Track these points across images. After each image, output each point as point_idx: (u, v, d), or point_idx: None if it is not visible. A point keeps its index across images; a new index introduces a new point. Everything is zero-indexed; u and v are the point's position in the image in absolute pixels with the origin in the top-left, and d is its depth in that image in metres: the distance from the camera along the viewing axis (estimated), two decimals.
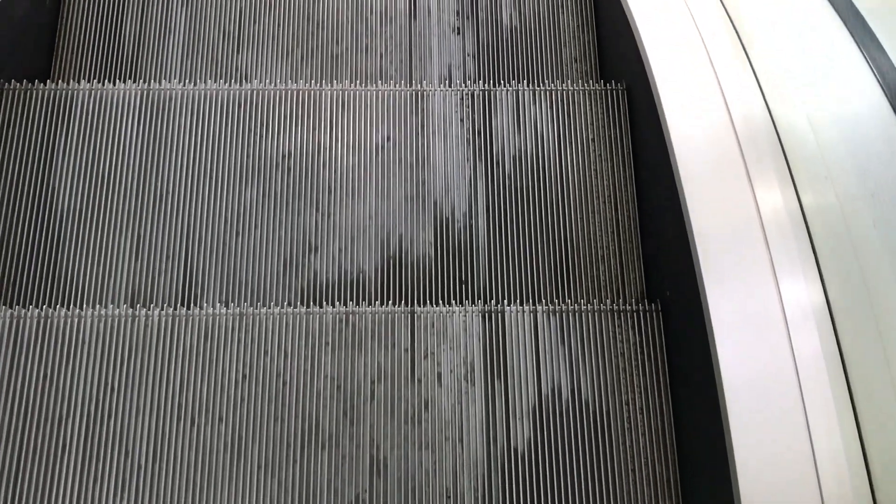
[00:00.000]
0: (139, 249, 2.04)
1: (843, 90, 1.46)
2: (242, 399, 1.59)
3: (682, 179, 1.52)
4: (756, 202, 1.47)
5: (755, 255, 1.40)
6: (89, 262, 2.02)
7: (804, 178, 1.50)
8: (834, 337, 1.32)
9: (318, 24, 2.52)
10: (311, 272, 2.06)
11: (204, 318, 1.71)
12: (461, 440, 1.59)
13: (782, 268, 1.39)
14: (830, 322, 1.33)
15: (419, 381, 1.63)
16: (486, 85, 2.27)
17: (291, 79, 2.44)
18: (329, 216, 2.11)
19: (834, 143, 1.44)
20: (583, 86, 2.27)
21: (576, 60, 2.53)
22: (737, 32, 1.84)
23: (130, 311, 1.70)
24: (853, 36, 1.39)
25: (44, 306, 1.72)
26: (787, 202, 1.48)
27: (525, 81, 2.37)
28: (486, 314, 1.71)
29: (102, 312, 1.69)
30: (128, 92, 2.20)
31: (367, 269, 2.06)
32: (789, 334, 1.32)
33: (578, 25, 2.57)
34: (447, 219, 2.13)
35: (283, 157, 2.17)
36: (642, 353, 1.68)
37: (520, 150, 2.21)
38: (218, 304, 1.90)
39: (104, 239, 2.04)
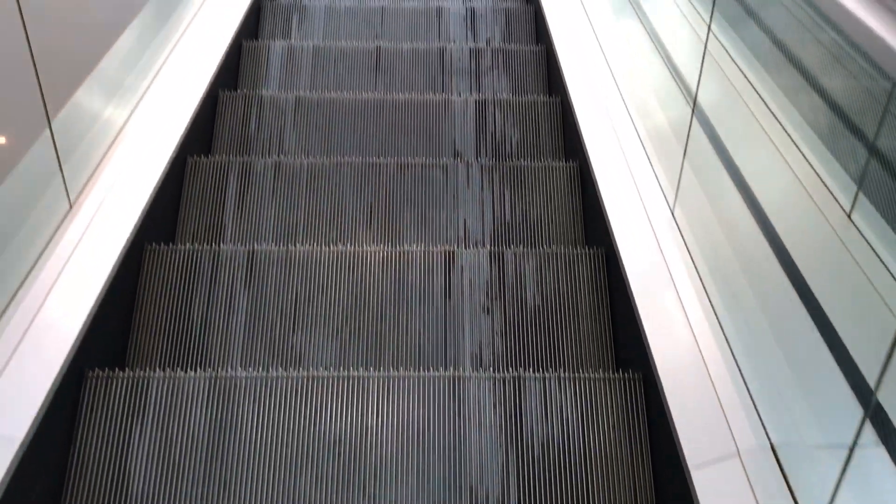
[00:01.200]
0: None
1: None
2: None
3: None
4: None
5: None
6: None
7: None
8: None
9: (364, 305, 2.82)
10: None
11: None
12: None
13: None
14: None
15: None
16: (516, 371, 2.54)
17: (341, 361, 2.72)
18: (374, 501, 2.34)
19: None
20: (602, 374, 2.54)
21: (593, 342, 2.83)
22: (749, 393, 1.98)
23: None
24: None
25: None
26: None
27: (551, 368, 2.65)
28: None
29: None
30: (197, 380, 2.46)
31: None
32: None
33: (595, 308, 2.88)
34: None
35: (335, 442, 2.41)
36: None
37: (548, 436, 2.46)
38: None
39: None
